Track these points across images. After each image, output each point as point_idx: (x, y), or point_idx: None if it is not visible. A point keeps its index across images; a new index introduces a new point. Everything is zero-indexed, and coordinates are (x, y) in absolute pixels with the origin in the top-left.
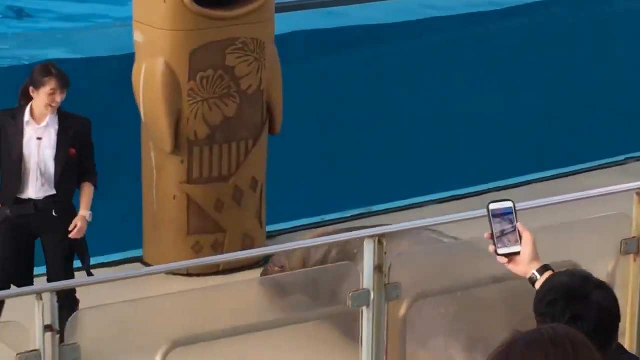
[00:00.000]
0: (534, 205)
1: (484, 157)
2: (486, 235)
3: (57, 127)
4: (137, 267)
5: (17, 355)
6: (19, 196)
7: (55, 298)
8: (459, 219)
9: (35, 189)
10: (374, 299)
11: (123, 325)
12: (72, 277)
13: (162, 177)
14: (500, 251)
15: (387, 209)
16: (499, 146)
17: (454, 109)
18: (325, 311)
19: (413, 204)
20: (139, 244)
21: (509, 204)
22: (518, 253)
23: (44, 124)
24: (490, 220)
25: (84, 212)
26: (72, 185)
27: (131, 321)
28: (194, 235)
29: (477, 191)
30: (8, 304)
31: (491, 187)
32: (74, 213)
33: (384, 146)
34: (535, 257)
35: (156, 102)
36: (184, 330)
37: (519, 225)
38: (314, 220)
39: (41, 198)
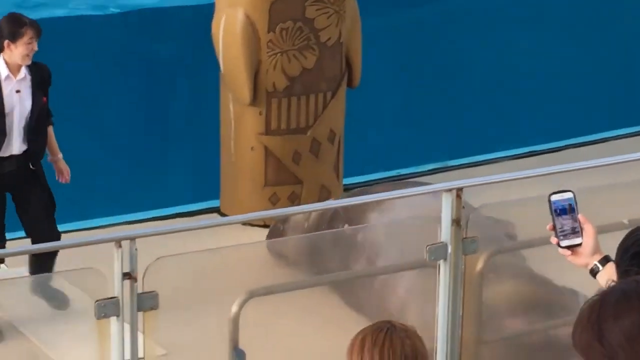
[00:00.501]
0: (606, 163)
1: (562, 112)
2: (548, 226)
3: (30, 77)
4: (214, 218)
5: (95, 302)
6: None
7: (135, 245)
8: (534, 174)
9: (18, 144)
10: (451, 252)
11: (200, 274)
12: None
13: (240, 128)
14: (563, 243)
15: (463, 164)
16: (577, 102)
17: (532, 63)
18: (401, 265)
19: (489, 159)
20: (216, 195)
21: (570, 195)
22: (580, 245)
23: (21, 76)
24: (552, 212)
25: (60, 155)
26: (46, 135)
27: (208, 270)
28: (271, 186)
29: (554, 147)
30: (84, 250)
31: (568, 143)
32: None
33: (462, 100)
34: (597, 248)
35: (235, 54)
36: (260, 281)
37: (580, 216)
38: (390, 174)
39: (21, 153)
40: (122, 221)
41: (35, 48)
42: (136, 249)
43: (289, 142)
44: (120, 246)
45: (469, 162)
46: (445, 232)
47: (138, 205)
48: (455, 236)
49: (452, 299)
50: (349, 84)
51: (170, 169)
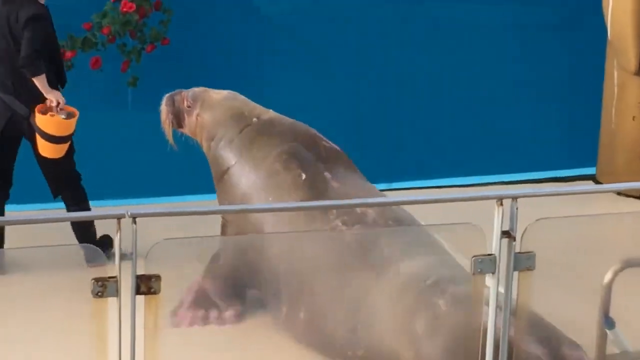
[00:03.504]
0: None
1: None
2: None
3: None
4: (588, 184)
5: (472, 257)
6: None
7: (516, 205)
8: None
9: None
10: None
11: (576, 238)
12: None
13: (623, 96)
14: None
15: None
16: None
17: None
18: None
19: None
20: (592, 162)
21: None
22: None
23: None
24: None
25: None
26: None
27: (585, 236)
28: None
29: None
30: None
31: None
32: None
33: None
34: None
35: (625, 21)
36: (635, 251)
37: None
38: None
39: None
40: (499, 180)
41: None
42: (517, 208)
43: None
44: (501, 204)
45: None
46: None
47: (516, 166)
48: None
49: None
50: None
51: (548, 133)
